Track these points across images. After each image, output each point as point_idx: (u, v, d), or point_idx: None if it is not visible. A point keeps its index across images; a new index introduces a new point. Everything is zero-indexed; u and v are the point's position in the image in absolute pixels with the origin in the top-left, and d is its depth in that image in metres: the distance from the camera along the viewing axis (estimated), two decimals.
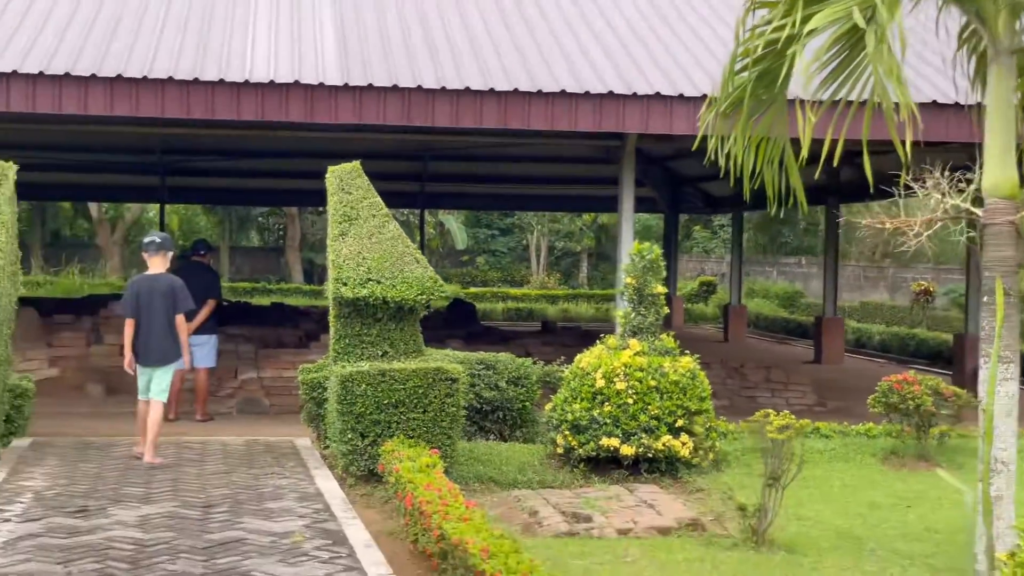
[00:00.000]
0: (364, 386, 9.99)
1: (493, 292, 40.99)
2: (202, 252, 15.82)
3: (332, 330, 10.41)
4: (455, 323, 27.54)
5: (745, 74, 7.47)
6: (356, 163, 10.87)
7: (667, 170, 31.81)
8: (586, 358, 10.92)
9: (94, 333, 17.91)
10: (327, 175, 10.93)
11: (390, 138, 18.50)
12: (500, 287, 44.46)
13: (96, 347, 17.40)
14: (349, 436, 10.02)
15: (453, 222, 45.26)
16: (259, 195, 33.92)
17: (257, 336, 19.34)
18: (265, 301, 32.42)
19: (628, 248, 15.08)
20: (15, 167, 10.69)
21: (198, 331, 13.90)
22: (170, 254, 11.20)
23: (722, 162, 7.74)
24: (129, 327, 10.96)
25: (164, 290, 10.88)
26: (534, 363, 12.18)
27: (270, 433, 14.27)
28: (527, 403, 11.89)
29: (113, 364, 16.99)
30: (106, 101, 12.46)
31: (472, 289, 43.15)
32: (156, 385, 10.90)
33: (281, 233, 48.73)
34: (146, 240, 11.28)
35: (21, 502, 8.54)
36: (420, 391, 10.04)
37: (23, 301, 23.71)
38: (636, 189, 33.15)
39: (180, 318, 10.94)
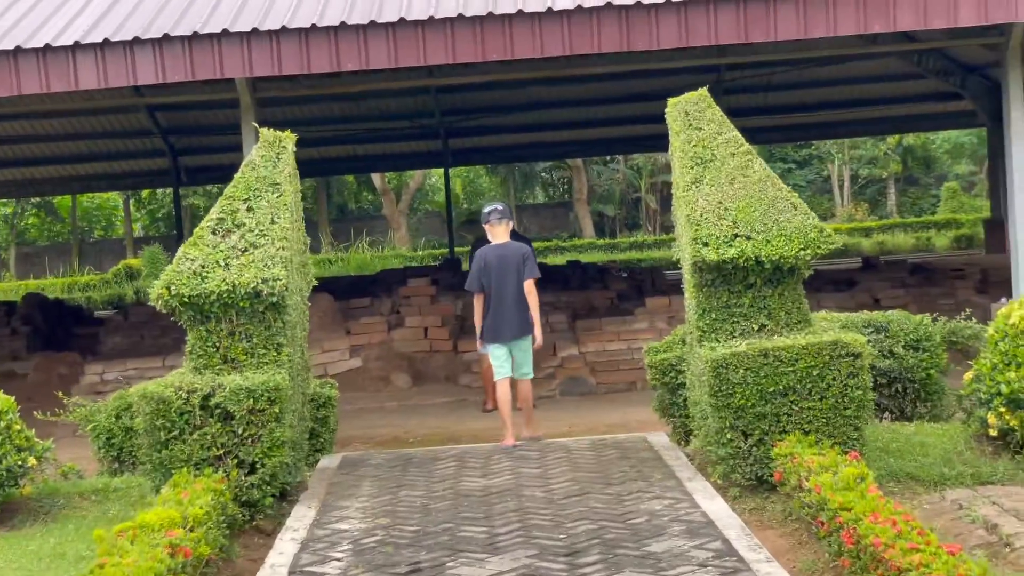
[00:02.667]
0: (743, 372, 7.81)
1: None
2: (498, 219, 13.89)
3: (693, 302, 8.25)
4: None
5: None
6: (703, 91, 8.66)
7: (986, 78, 28.65)
8: (1018, 311, 8.41)
9: (394, 315, 16.31)
10: (668, 109, 8.75)
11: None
12: None
13: (398, 331, 15.80)
14: (728, 436, 7.87)
15: None
16: (543, 149, 32.25)
17: (565, 302, 17.43)
18: (559, 260, 30.70)
19: (1021, 162, 12.45)
20: (294, 138, 8.93)
21: None
22: (511, 223, 10.33)
23: None
24: (479, 303, 9.99)
25: (515, 259, 9.86)
26: (933, 320, 9.72)
27: (604, 420, 12.33)
28: (931, 371, 9.47)
29: (417, 349, 15.42)
30: (389, 50, 10.65)
31: None
32: (521, 361, 9.95)
33: (567, 187, 46.99)
34: (487, 209, 10.30)
35: (337, 558, 6.73)
36: (815, 372, 7.80)
37: (316, 283, 22.70)
38: (951, 103, 30.06)
39: (530, 284, 9.82)
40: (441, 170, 35.55)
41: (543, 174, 47.70)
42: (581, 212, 43.45)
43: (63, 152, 27.27)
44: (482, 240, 13.77)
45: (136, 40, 11.20)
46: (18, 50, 11.35)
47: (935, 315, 9.87)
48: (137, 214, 46.74)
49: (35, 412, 9.82)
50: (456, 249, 31.85)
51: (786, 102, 27.55)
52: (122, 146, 27.10)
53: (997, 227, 28.67)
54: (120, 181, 30.91)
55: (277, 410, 7.92)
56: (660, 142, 30.70)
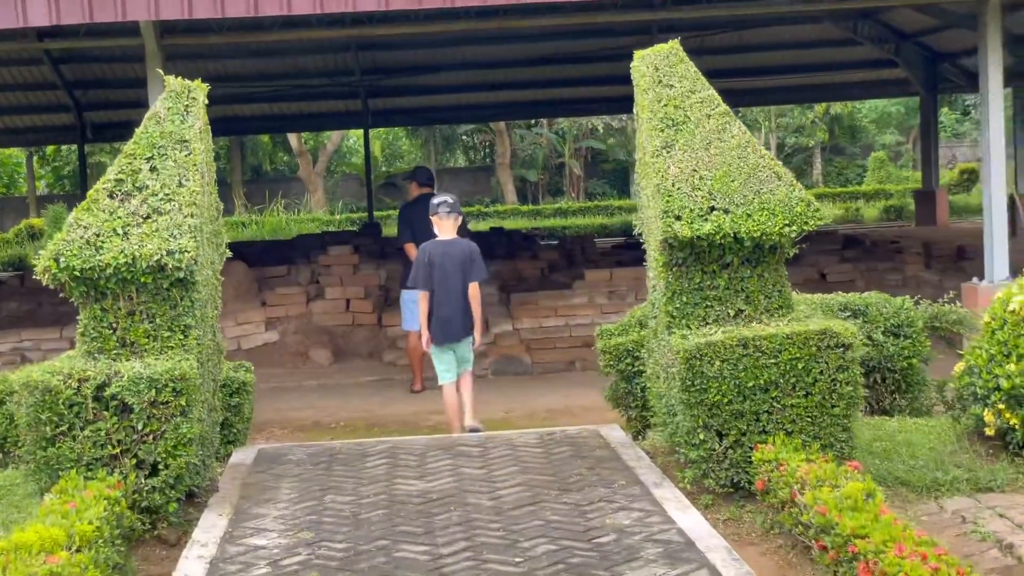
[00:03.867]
0: (719, 364, 6.86)
1: None
2: (425, 182, 12.88)
3: (661, 283, 7.27)
4: None
5: None
6: (674, 42, 7.65)
7: (922, 46, 28.12)
8: (1019, 296, 7.54)
9: (313, 285, 15.20)
10: (634, 63, 7.74)
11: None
12: None
13: (317, 303, 14.71)
14: (701, 437, 6.93)
15: None
16: (466, 111, 31.16)
17: (492, 272, 16.39)
18: (482, 226, 29.69)
19: (998, 134, 11.63)
20: (205, 88, 7.80)
21: None
22: (461, 218, 9.72)
23: None
24: (424, 301, 9.52)
25: (461, 257, 9.40)
26: (915, 304, 8.85)
27: (544, 405, 11.39)
28: (913, 360, 8.59)
29: (338, 323, 14.35)
30: None
31: None
32: (462, 358, 9.52)
33: (489, 151, 45.88)
34: (436, 201, 9.62)
35: None
36: (800, 366, 6.88)
37: (229, 247, 21.44)
38: (886, 70, 29.42)
39: (475, 288, 9.43)
40: (360, 132, 34.36)
41: (464, 137, 46.49)
42: (503, 177, 42.37)
43: None
44: (408, 206, 12.82)
45: None
46: None
47: (916, 297, 8.98)
48: (41, 171, 44.80)
49: None
50: (375, 213, 30.68)
51: (720, 66, 26.70)
52: (24, 99, 25.57)
53: (928, 198, 28.12)
54: (22, 136, 29.30)
55: (183, 402, 6.84)
56: (587, 106, 29.84)
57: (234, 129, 32.44)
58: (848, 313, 8.51)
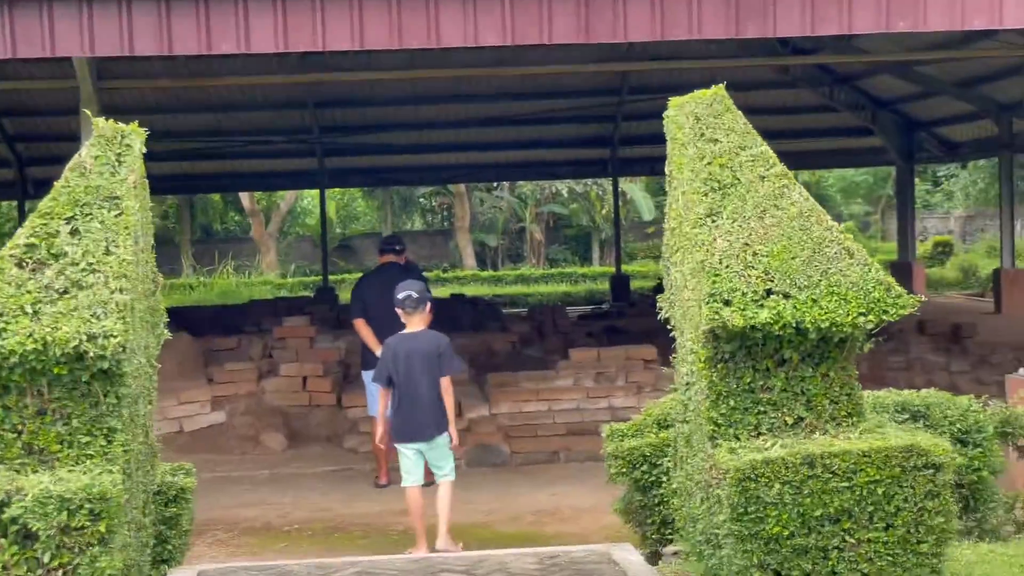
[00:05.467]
0: (778, 487, 5.49)
1: None
2: (397, 248, 11.54)
3: (703, 382, 5.88)
4: None
5: None
6: (719, 88, 6.30)
7: (899, 114, 27.33)
8: None
9: (266, 360, 13.73)
10: (669, 112, 6.39)
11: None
12: None
13: (270, 380, 13.24)
14: (753, 572, 5.53)
15: (637, 190, 40.41)
16: (425, 172, 30.01)
17: (459, 347, 14.98)
18: (442, 292, 28.33)
19: None
20: (142, 134, 6.38)
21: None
22: (429, 306, 8.95)
23: None
24: (384, 398, 8.84)
25: (429, 353, 8.67)
26: (983, 405, 7.50)
27: (530, 505, 10.00)
28: (983, 471, 7.24)
29: (293, 403, 12.90)
30: (276, 28, 8.18)
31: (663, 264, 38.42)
32: (440, 463, 8.70)
33: (447, 214, 44.57)
34: (400, 296, 8.82)
35: None
36: (880, 491, 5.52)
37: (173, 315, 19.89)
38: (862, 139, 28.51)
39: (446, 382, 8.70)
40: (315, 192, 33.08)
41: (422, 200, 45.20)
42: (462, 241, 41.06)
43: None
44: (365, 277, 11.60)
45: None
46: None
47: (986, 398, 7.64)
48: None
49: None
50: (330, 277, 29.26)
51: None
52: None
53: (904, 271, 27.04)
54: None
55: (103, 528, 5.37)
56: (550, 169, 28.59)
57: (186, 187, 31.16)
58: (906, 416, 7.16)
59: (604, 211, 39.86)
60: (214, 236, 44.11)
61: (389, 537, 9.03)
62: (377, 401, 9.73)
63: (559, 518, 9.53)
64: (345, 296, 26.94)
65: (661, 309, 6.66)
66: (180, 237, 40.28)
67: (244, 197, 39.21)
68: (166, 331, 6.76)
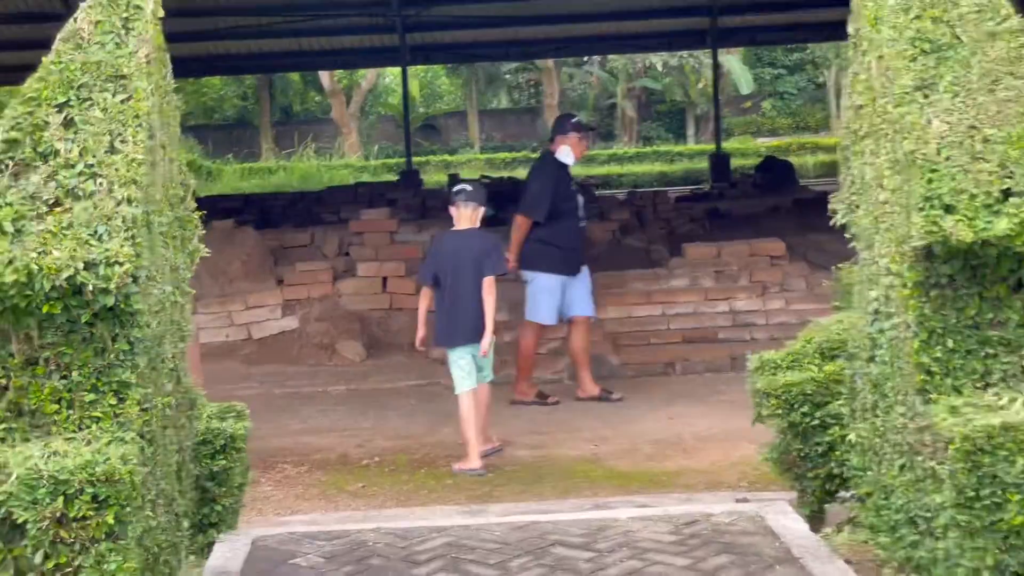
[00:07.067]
0: (1023, 463, 3.98)
1: (794, 143, 34.24)
2: (562, 130, 9.80)
3: (911, 315, 4.34)
4: (769, 187, 21.52)
5: None
6: None
7: None
8: None
9: (343, 258, 12.36)
10: None
11: None
12: (794, 135, 37.71)
13: (347, 281, 11.90)
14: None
15: (735, 62, 38.27)
16: (512, 47, 28.18)
17: None
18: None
19: None
20: None
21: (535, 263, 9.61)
22: (482, 210, 8.35)
23: None
24: (425, 298, 8.33)
25: (476, 251, 8.15)
26: None
27: (646, 434, 8.56)
28: None
29: (373, 307, 11.56)
30: None
31: (762, 141, 36.57)
32: (481, 364, 8.18)
33: (535, 92, 42.77)
34: (456, 188, 8.62)
35: None
36: None
37: (243, 204, 18.56)
38: None
39: (489, 281, 8.09)
40: (397, 70, 31.52)
41: (508, 76, 43.40)
42: (550, 118, 39.32)
43: None
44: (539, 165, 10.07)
45: None
46: None
47: None
48: None
49: None
50: (414, 159, 27.81)
51: None
52: None
53: None
54: None
55: (111, 519, 4.06)
56: (643, 41, 26.54)
57: (260, 67, 29.85)
58: None
59: (700, 85, 37.90)
60: (294, 118, 42.81)
61: (483, 478, 7.67)
62: (539, 305, 9.38)
63: (681, 449, 8.10)
64: (431, 180, 25.57)
65: (835, 213, 5.12)
66: (259, 119, 39.01)
67: (324, 76, 37.74)
68: (202, 247, 5.32)
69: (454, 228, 8.31)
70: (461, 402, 7.95)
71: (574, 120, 9.95)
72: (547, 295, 9.42)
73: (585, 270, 9.74)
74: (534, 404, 9.42)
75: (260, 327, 11.41)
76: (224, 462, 5.73)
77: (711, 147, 29.05)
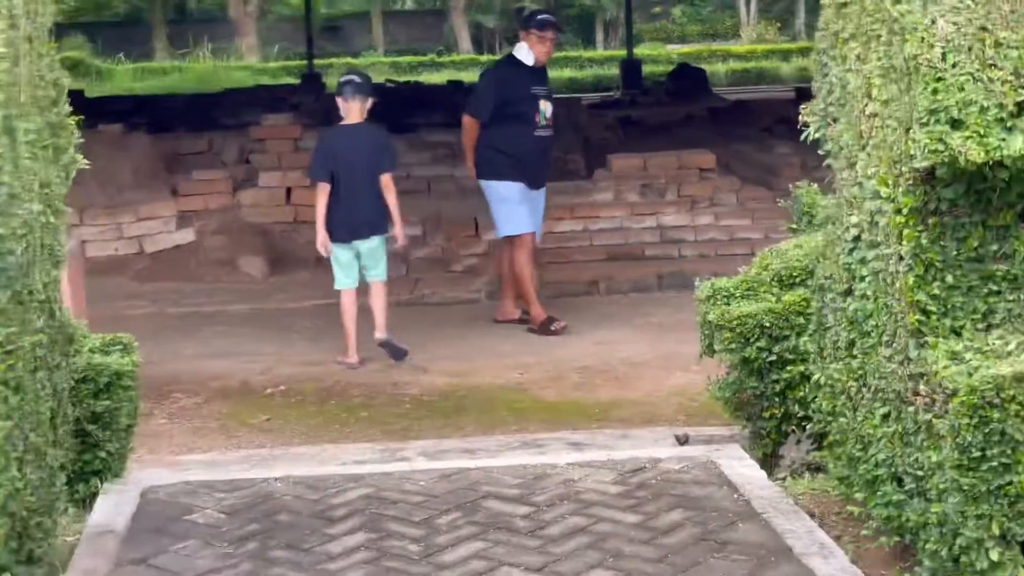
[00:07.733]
0: None
1: (705, 51, 33.70)
2: (528, 25, 9.11)
3: (907, 245, 3.78)
4: (683, 95, 20.99)
5: None
6: None
7: None
8: None
9: (243, 167, 11.58)
10: None
11: None
12: (704, 43, 37.19)
13: (248, 192, 11.14)
14: (993, 556, 3.56)
15: None
16: None
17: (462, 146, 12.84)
18: (436, 79, 26.08)
19: None
20: None
21: None
22: (370, 100, 8.25)
23: None
24: (322, 195, 8.09)
25: (369, 146, 8.14)
26: None
27: (573, 359, 8.01)
28: None
29: (276, 220, 10.86)
30: None
31: (672, 48, 36.01)
32: (372, 264, 8.16)
33: None
34: (342, 80, 8.45)
35: None
36: None
37: (135, 106, 17.56)
38: None
39: (387, 178, 8.11)
40: None
41: None
42: (457, 22, 38.42)
43: None
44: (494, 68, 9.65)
45: None
46: None
47: None
48: None
49: None
50: (315, 62, 26.79)
51: None
52: None
53: None
54: None
55: None
56: None
57: None
58: None
59: None
60: (189, 17, 41.32)
61: (400, 406, 7.06)
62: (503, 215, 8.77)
63: (612, 377, 7.56)
64: (332, 83, 24.62)
65: (806, 126, 4.54)
66: (152, 16, 37.50)
67: None
68: (80, 158, 4.59)
69: (344, 122, 8.21)
70: (343, 300, 8.10)
71: (537, 17, 9.22)
72: (505, 204, 8.66)
73: (543, 189, 9.03)
74: (531, 331, 8.64)
75: (153, 240, 10.61)
76: (108, 402, 5.07)
77: (622, 53, 28.41)
